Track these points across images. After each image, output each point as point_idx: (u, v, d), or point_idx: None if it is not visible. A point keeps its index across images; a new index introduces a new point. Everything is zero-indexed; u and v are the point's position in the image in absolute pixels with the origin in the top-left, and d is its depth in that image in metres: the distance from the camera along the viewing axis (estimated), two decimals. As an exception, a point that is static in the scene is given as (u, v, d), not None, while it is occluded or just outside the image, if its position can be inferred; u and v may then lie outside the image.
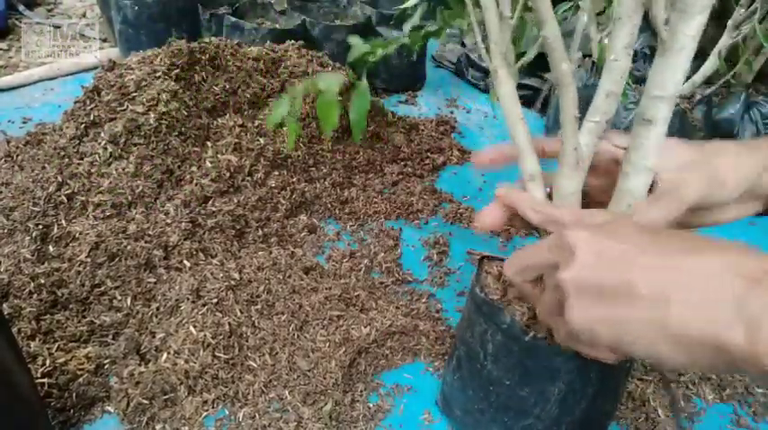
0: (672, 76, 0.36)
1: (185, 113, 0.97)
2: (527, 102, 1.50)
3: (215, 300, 0.76)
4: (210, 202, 0.91)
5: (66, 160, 0.88)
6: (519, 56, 0.48)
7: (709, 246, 0.34)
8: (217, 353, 0.70)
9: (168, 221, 0.85)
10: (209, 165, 0.95)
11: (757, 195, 0.46)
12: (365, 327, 0.75)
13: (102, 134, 0.89)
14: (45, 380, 0.64)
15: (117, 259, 0.80)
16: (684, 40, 0.35)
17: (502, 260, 0.57)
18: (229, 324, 0.73)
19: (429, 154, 1.22)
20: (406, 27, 0.60)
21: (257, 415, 0.65)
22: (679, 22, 0.34)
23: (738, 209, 0.47)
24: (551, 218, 0.45)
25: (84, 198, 0.85)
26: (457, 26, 0.57)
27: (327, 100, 0.39)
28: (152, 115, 0.91)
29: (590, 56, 1.18)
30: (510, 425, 0.57)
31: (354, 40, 0.45)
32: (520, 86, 1.57)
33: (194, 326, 0.72)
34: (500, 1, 0.42)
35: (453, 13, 0.55)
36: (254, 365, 0.70)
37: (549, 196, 0.48)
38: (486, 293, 0.54)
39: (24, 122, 1.23)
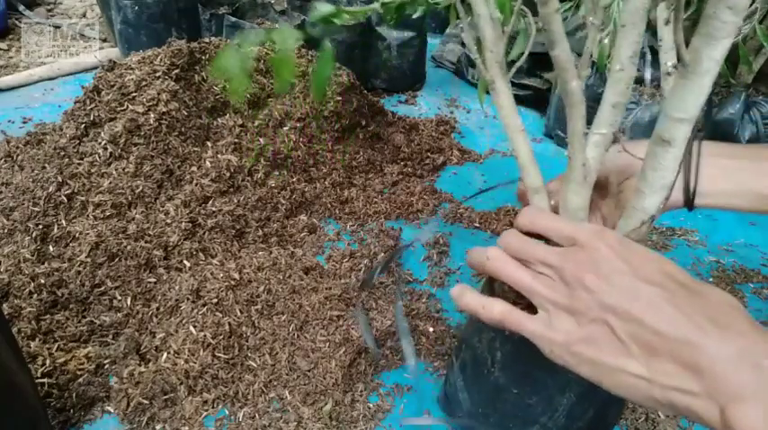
0: (695, 100, 0.35)
1: (185, 113, 0.97)
2: (527, 101, 1.50)
3: (215, 300, 0.76)
4: (210, 202, 0.91)
5: (66, 160, 0.88)
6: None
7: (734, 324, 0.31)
8: (217, 353, 0.70)
9: (168, 221, 0.85)
10: (209, 165, 0.95)
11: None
12: (365, 327, 0.75)
13: (102, 134, 0.89)
14: (45, 380, 0.64)
15: (117, 259, 0.80)
16: (709, 65, 0.33)
17: None
18: (229, 324, 0.73)
19: (429, 154, 1.22)
20: None
21: (257, 415, 0.65)
22: (704, 46, 0.33)
23: None
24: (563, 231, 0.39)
25: (84, 198, 0.85)
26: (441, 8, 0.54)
27: (283, 55, 0.38)
28: (152, 115, 0.91)
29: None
30: None
31: (320, 4, 0.43)
32: (520, 86, 1.57)
33: (194, 327, 0.72)
34: (489, 5, 0.40)
35: None
36: (254, 365, 0.70)
37: (555, 210, 0.48)
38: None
39: (24, 122, 1.24)
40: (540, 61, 1.44)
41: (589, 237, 0.36)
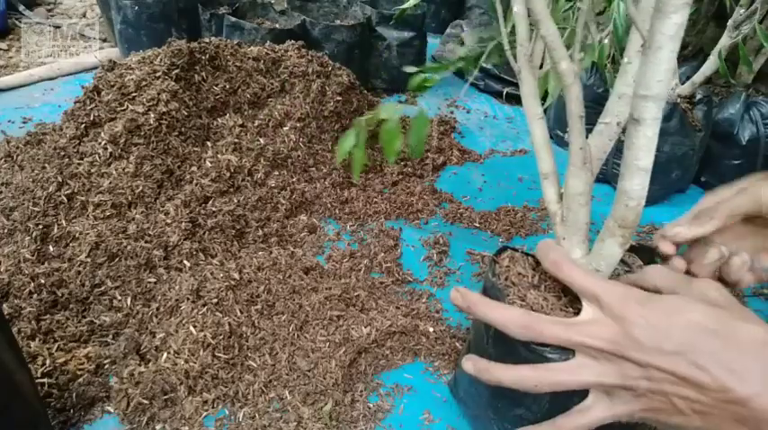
0: (653, 75, 0.36)
1: (185, 113, 0.97)
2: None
3: (215, 300, 0.76)
4: (210, 202, 0.91)
5: (66, 160, 0.88)
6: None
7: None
8: (217, 353, 0.70)
9: (168, 221, 0.85)
10: (209, 165, 0.95)
11: None
12: (365, 327, 0.75)
13: (102, 134, 0.89)
14: (45, 380, 0.64)
15: (117, 259, 0.80)
16: (661, 39, 0.34)
17: (519, 251, 0.57)
18: (229, 324, 0.73)
19: (429, 154, 1.22)
20: (460, 51, 0.62)
21: (257, 415, 0.65)
22: (656, 22, 0.34)
23: None
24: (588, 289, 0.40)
25: (84, 198, 0.85)
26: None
27: (390, 128, 0.44)
28: (152, 115, 0.91)
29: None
30: (503, 412, 0.57)
31: (410, 69, 0.48)
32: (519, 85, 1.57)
33: (194, 326, 0.72)
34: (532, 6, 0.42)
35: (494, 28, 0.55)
36: (254, 365, 0.70)
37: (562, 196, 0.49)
38: (495, 278, 0.54)
39: (24, 122, 1.24)
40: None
41: (614, 303, 0.37)
